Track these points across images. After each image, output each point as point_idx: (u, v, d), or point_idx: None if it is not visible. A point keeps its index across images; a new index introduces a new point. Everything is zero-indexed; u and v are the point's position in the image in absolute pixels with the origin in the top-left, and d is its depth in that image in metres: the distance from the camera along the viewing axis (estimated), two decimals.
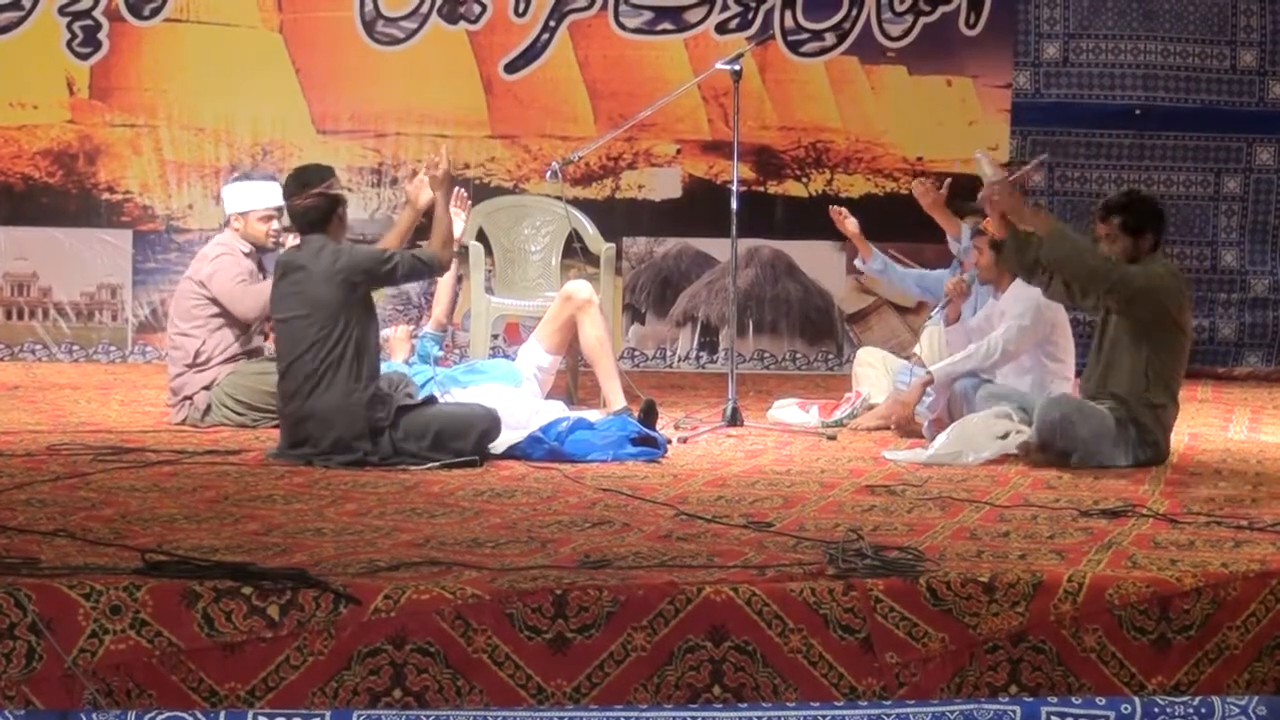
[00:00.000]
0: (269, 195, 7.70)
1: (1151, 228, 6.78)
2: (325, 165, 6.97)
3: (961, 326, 7.66)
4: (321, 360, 6.42)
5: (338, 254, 6.49)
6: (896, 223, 8.62)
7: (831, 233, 8.61)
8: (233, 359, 7.53)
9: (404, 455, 6.40)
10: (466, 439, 6.45)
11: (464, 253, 8.50)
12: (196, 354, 7.51)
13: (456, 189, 7.96)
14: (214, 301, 7.54)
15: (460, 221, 7.81)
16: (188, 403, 7.52)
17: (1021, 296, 7.32)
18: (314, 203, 6.58)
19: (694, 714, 4.20)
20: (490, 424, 6.57)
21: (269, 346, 7.82)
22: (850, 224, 8.33)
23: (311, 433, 6.41)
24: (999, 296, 7.52)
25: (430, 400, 6.75)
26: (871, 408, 7.91)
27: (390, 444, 6.41)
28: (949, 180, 8.63)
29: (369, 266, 6.54)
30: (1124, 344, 6.71)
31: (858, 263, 8.51)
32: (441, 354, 7.93)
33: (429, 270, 6.86)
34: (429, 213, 6.89)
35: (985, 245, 7.40)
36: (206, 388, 7.48)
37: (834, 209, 8.43)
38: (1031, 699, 4.30)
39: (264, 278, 7.69)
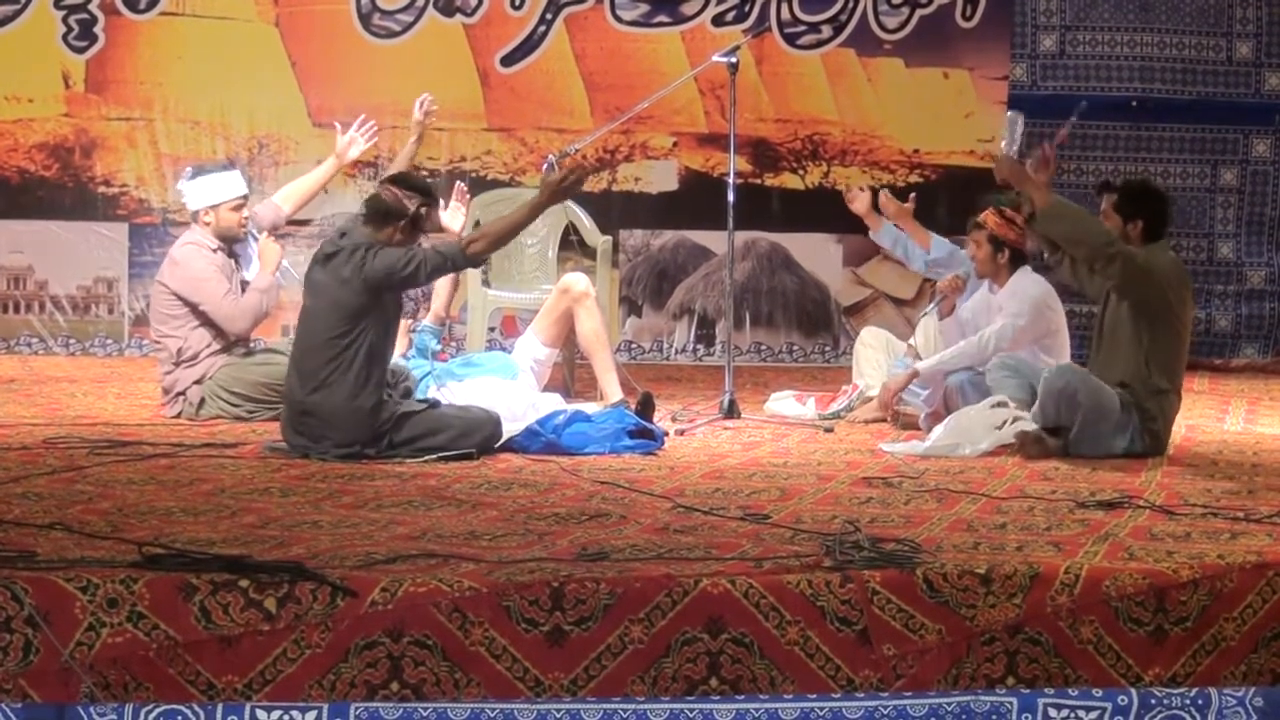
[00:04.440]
0: (234, 185, 7.66)
1: (1144, 216, 6.79)
2: (432, 185, 6.87)
3: (955, 320, 7.65)
4: (331, 358, 6.38)
5: (365, 257, 6.37)
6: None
7: (828, 225, 8.62)
8: (219, 351, 7.50)
9: (402, 451, 6.39)
10: (468, 444, 6.43)
11: None
12: (180, 352, 7.48)
13: (457, 184, 7.96)
14: (191, 305, 7.48)
15: (460, 215, 7.82)
16: (181, 398, 7.50)
17: (1020, 294, 7.31)
18: (387, 196, 6.52)
19: (691, 706, 4.20)
20: (492, 429, 6.56)
21: (262, 340, 7.81)
22: (859, 203, 8.30)
23: (311, 427, 6.40)
24: (995, 290, 7.50)
25: (433, 404, 6.72)
26: (868, 400, 7.90)
27: (389, 444, 6.40)
28: (913, 194, 8.64)
29: (387, 272, 6.39)
30: (1124, 332, 6.72)
31: (871, 234, 8.47)
32: (439, 348, 7.93)
33: (453, 265, 6.65)
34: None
35: (983, 239, 7.38)
36: (198, 382, 7.45)
37: (848, 189, 8.42)
38: (1028, 690, 4.30)
39: (237, 269, 7.66)
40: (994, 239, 7.30)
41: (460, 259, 6.56)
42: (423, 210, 6.56)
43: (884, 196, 8.43)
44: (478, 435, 6.48)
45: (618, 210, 10.57)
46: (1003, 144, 6.76)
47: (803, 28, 10.64)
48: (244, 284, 7.63)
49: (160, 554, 4.28)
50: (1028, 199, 6.72)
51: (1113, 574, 4.38)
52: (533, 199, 6.63)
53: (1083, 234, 6.67)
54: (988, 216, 7.29)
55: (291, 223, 8.22)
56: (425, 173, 10.44)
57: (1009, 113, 6.81)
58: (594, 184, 10.57)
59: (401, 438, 6.41)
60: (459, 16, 10.49)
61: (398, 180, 6.65)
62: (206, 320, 7.50)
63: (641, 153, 10.66)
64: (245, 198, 7.69)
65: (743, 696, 4.22)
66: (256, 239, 7.74)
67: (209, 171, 7.75)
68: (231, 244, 7.66)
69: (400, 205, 6.51)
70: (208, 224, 7.61)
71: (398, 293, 6.64)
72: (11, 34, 10.28)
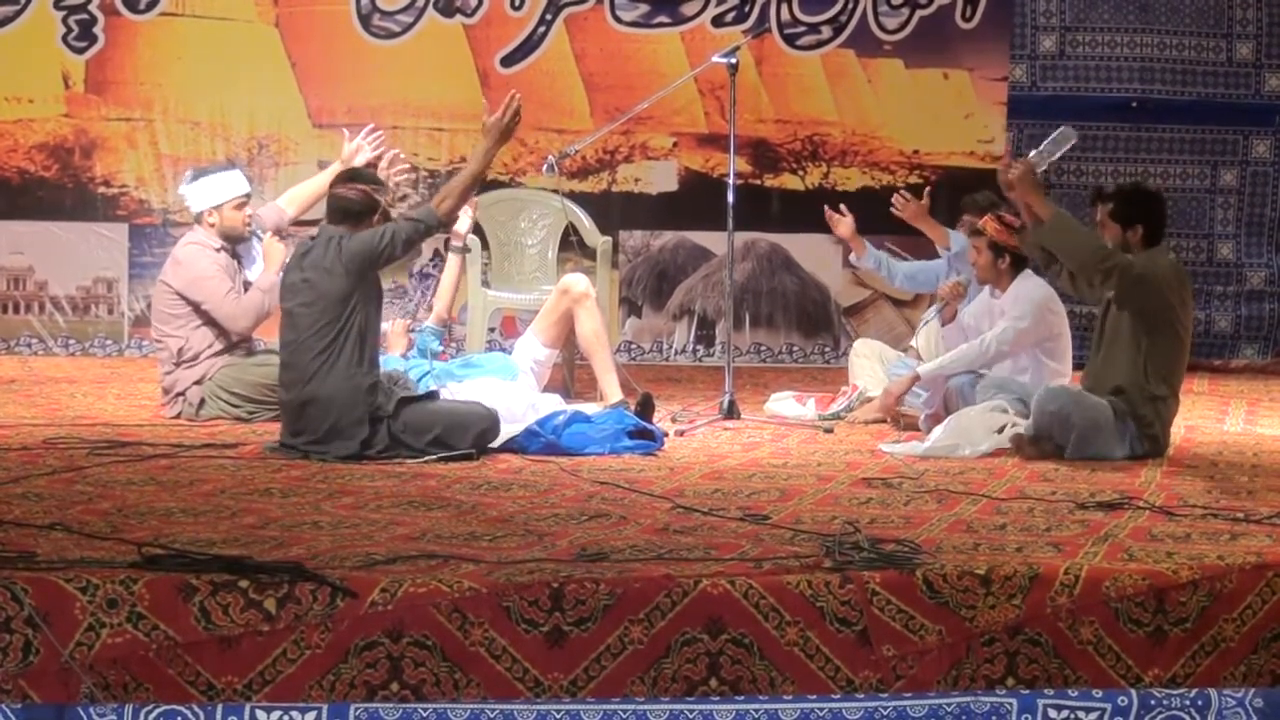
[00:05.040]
0: (236, 184, 7.67)
1: (1142, 220, 6.79)
2: (380, 178, 6.98)
3: (957, 325, 7.65)
4: (324, 345, 6.41)
5: (341, 246, 6.47)
6: (892, 216, 8.61)
7: (828, 226, 8.61)
8: (220, 352, 7.51)
9: (401, 448, 6.40)
10: (465, 437, 6.45)
11: (465, 253, 8.46)
12: (181, 352, 7.48)
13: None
14: (194, 304, 7.48)
15: (466, 219, 7.81)
16: (181, 399, 7.50)
17: (1022, 297, 7.31)
18: (355, 195, 6.59)
19: (691, 706, 4.20)
20: (490, 424, 6.57)
21: (262, 341, 7.81)
22: (843, 226, 8.33)
23: (311, 418, 6.41)
24: (997, 295, 7.50)
25: (432, 395, 6.75)
26: (868, 401, 7.90)
27: (388, 435, 6.41)
28: (927, 189, 8.65)
29: (365, 250, 6.48)
30: (1123, 337, 6.72)
31: (852, 259, 8.51)
32: (441, 349, 7.93)
33: (428, 229, 6.66)
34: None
35: (983, 246, 7.38)
36: (198, 382, 7.46)
37: (829, 211, 8.43)
38: (1028, 691, 4.30)
39: (240, 269, 7.67)
40: (994, 245, 7.30)
41: (434, 221, 6.62)
42: (378, 197, 6.67)
43: (899, 199, 8.42)
44: (475, 429, 6.49)
45: (617, 211, 10.58)
46: (1034, 151, 6.74)
47: (802, 28, 10.64)
48: (247, 284, 7.63)
49: (160, 554, 4.28)
50: (1026, 210, 6.74)
51: (1112, 575, 4.38)
52: (482, 147, 6.67)
53: (1079, 248, 6.68)
54: (987, 223, 7.29)
55: (295, 224, 8.22)
56: (425, 173, 10.47)
57: (1064, 127, 6.77)
58: (594, 185, 10.59)
59: (399, 425, 6.42)
60: (459, 17, 10.50)
61: (357, 178, 6.72)
62: (209, 320, 7.50)
63: (641, 153, 10.67)
64: (248, 196, 7.71)
65: (742, 697, 4.22)
66: (260, 238, 7.75)
67: (210, 172, 7.76)
68: (235, 244, 7.67)
69: (371, 200, 6.61)
70: (212, 225, 7.62)
71: (378, 269, 6.68)
72: (11, 34, 10.28)
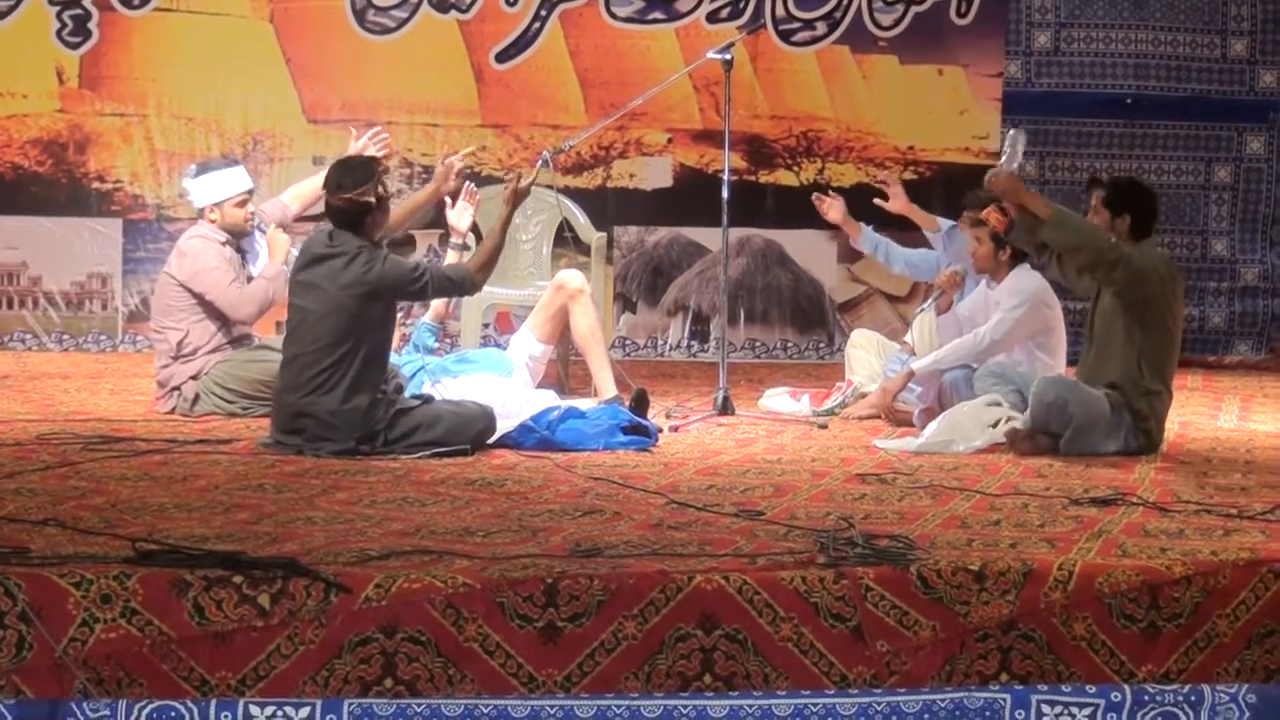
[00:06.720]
0: (239, 180, 7.67)
1: (1131, 210, 6.81)
2: (368, 160, 6.94)
3: (952, 316, 7.67)
4: (328, 363, 6.36)
5: (370, 264, 6.41)
6: (888, 212, 8.61)
7: (823, 222, 8.60)
8: (219, 348, 7.51)
9: (397, 448, 6.39)
10: (463, 438, 6.43)
11: (465, 250, 8.45)
12: (180, 345, 7.48)
13: (467, 184, 7.86)
14: (197, 296, 7.49)
15: (468, 215, 7.80)
16: (176, 393, 7.50)
17: (1017, 289, 7.32)
18: (344, 205, 6.53)
19: (685, 702, 4.20)
20: (486, 422, 6.57)
21: (258, 336, 7.81)
22: (834, 210, 8.32)
23: (305, 428, 6.39)
24: (994, 286, 7.51)
25: (427, 400, 6.73)
26: (863, 396, 7.91)
27: (384, 441, 6.40)
28: (897, 174, 8.64)
29: (396, 283, 6.48)
30: (1116, 331, 6.74)
31: (851, 242, 8.50)
32: (437, 345, 7.93)
33: (459, 290, 6.86)
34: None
35: (985, 235, 7.39)
36: (194, 377, 7.45)
37: (816, 197, 8.42)
38: (1022, 687, 4.31)
39: (244, 263, 7.67)
40: (996, 236, 7.31)
41: (467, 286, 6.78)
42: (379, 187, 6.59)
43: (888, 188, 8.41)
44: (472, 429, 6.48)
45: (612, 207, 10.58)
46: (1002, 159, 6.77)
47: (797, 24, 10.64)
48: (250, 279, 7.63)
49: (154, 550, 4.28)
50: (1020, 216, 6.74)
51: (1106, 570, 4.39)
52: (504, 212, 6.86)
53: (1085, 241, 6.69)
54: (990, 214, 7.29)
55: (298, 220, 8.21)
56: (421, 169, 10.46)
57: (1011, 131, 6.81)
58: (589, 180, 10.59)
59: (396, 434, 6.41)
60: (453, 13, 10.49)
61: (343, 184, 6.55)
62: (211, 313, 7.50)
63: (636, 149, 10.66)
64: (250, 192, 7.70)
65: (736, 693, 4.22)
66: (263, 232, 7.75)
67: (213, 168, 7.76)
68: (239, 238, 7.68)
69: (362, 202, 6.51)
70: (213, 221, 7.63)
71: (400, 301, 6.70)
72: (5, 30, 10.27)
